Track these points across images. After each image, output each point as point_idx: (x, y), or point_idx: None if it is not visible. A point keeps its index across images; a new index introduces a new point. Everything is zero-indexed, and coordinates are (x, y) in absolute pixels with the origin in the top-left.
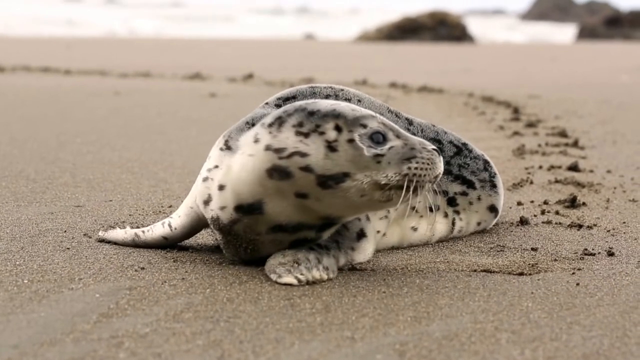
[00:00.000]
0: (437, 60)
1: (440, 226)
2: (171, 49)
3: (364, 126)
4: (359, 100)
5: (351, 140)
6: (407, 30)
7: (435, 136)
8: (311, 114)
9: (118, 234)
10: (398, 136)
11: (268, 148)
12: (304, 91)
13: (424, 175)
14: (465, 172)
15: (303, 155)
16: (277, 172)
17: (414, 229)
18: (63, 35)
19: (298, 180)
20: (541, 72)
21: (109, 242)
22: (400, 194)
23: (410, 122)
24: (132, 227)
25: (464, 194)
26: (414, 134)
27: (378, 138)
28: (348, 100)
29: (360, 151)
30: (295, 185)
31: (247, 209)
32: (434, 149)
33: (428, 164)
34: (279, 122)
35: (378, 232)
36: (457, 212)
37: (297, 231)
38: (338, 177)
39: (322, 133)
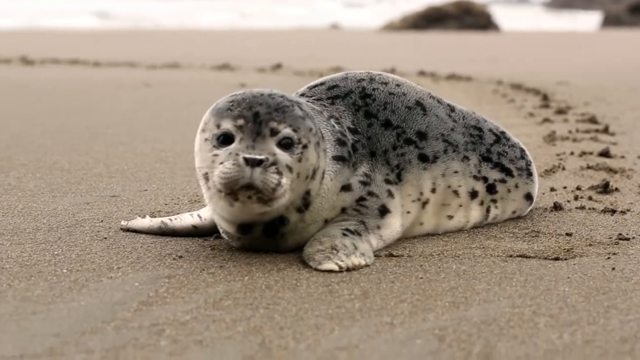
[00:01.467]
0: (463, 49)
1: (474, 213)
2: (198, 40)
3: (218, 126)
4: (398, 85)
5: (206, 139)
6: (432, 19)
7: (476, 124)
8: (211, 111)
9: (143, 222)
10: (242, 140)
11: None
12: (335, 78)
13: (227, 182)
14: (504, 160)
15: (195, 150)
16: None
17: (450, 217)
18: (90, 28)
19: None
20: (568, 60)
21: (133, 230)
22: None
23: (452, 109)
24: (152, 217)
25: (503, 181)
26: (455, 120)
27: (225, 139)
28: (384, 84)
29: (207, 151)
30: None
31: None
32: (244, 158)
33: (230, 172)
34: None
35: (408, 212)
36: (494, 201)
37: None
38: (204, 174)
39: (202, 130)
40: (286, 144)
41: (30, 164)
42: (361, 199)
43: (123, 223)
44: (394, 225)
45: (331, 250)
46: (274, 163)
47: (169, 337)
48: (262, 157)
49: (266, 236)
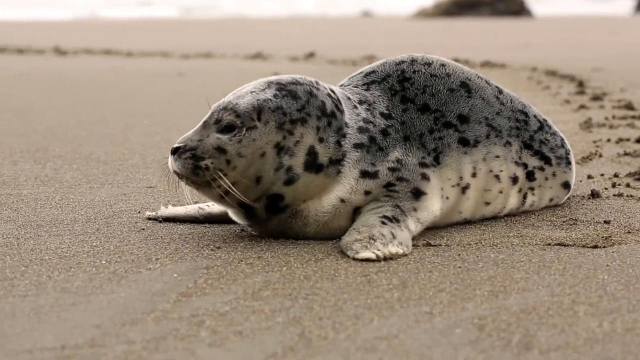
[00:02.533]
0: (497, 35)
1: (512, 200)
2: (230, 29)
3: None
4: (443, 65)
5: None
6: (464, 5)
7: (523, 108)
8: None
9: (178, 210)
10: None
11: None
12: (375, 64)
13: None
14: (544, 148)
15: None
16: None
17: (487, 203)
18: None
19: None
20: (602, 45)
21: (166, 219)
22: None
23: (500, 91)
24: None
25: (542, 169)
26: (503, 103)
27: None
28: (428, 64)
29: None
30: None
31: None
32: (172, 148)
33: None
34: None
35: (447, 198)
36: (532, 188)
37: None
38: None
39: None
40: (227, 129)
41: (67, 155)
42: (389, 184)
43: (148, 213)
44: (431, 208)
45: (369, 240)
46: (193, 149)
47: (209, 328)
48: (178, 145)
49: (270, 213)
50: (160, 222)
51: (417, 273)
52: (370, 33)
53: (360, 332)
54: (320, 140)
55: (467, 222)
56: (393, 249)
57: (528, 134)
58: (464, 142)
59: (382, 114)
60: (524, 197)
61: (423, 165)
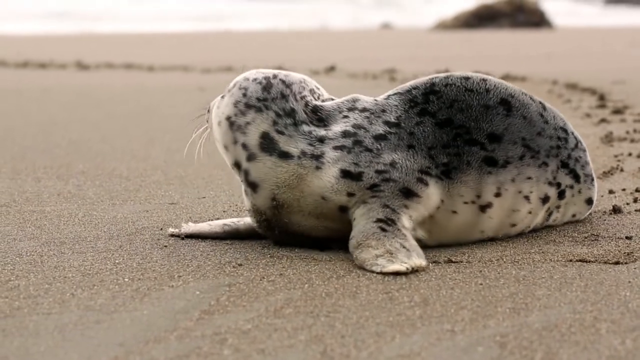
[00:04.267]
0: (517, 48)
1: (538, 218)
2: (251, 43)
3: None
4: (484, 80)
5: None
6: (484, 17)
7: (564, 125)
8: None
9: (202, 227)
10: None
11: None
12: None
13: None
14: (577, 166)
15: None
16: None
17: (513, 224)
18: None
19: None
20: (623, 57)
21: (189, 236)
22: None
23: (544, 107)
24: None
25: (571, 187)
26: (546, 121)
27: None
28: (465, 79)
29: None
30: None
31: None
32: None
33: None
34: None
35: (454, 212)
36: (559, 206)
37: None
38: None
39: None
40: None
41: (89, 171)
42: (374, 185)
43: (171, 230)
44: (420, 210)
45: (389, 255)
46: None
47: (232, 346)
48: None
49: (249, 188)
50: (183, 239)
51: (438, 290)
52: (390, 46)
53: (383, 350)
54: (278, 132)
55: (490, 239)
56: (417, 261)
57: (567, 152)
58: (490, 162)
59: (386, 122)
60: (549, 214)
61: (424, 172)
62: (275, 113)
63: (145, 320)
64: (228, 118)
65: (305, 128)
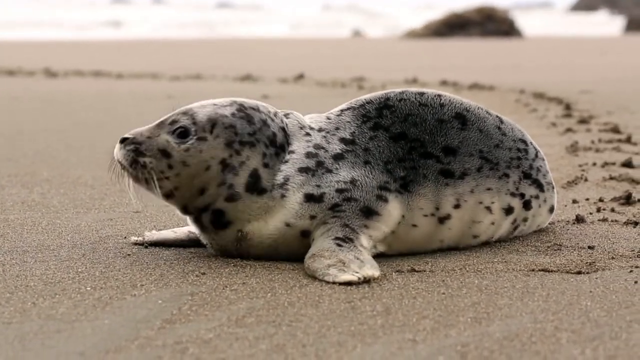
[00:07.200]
0: (486, 56)
1: (502, 229)
2: (220, 50)
3: None
4: (438, 96)
5: None
6: (454, 26)
7: (522, 136)
8: None
9: (166, 234)
10: None
11: None
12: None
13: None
14: (539, 176)
15: None
16: None
17: (475, 236)
18: (112, 38)
19: None
20: (591, 67)
21: (153, 244)
22: None
23: (501, 120)
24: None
25: (537, 197)
26: (504, 133)
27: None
28: (420, 94)
29: None
30: None
31: None
32: (121, 138)
33: None
34: None
35: (414, 225)
36: (525, 218)
37: None
38: None
39: None
40: (180, 134)
41: (54, 179)
42: (335, 205)
43: (134, 238)
44: (382, 229)
45: (342, 264)
46: (139, 143)
47: (193, 355)
48: (127, 136)
49: (215, 227)
50: (146, 247)
51: (401, 299)
52: (360, 54)
53: (344, 359)
54: (265, 165)
55: (451, 248)
56: (370, 271)
57: (528, 163)
58: (446, 174)
59: (342, 139)
60: (516, 227)
61: (384, 188)
62: (264, 144)
63: (106, 330)
64: (222, 161)
65: (282, 155)
